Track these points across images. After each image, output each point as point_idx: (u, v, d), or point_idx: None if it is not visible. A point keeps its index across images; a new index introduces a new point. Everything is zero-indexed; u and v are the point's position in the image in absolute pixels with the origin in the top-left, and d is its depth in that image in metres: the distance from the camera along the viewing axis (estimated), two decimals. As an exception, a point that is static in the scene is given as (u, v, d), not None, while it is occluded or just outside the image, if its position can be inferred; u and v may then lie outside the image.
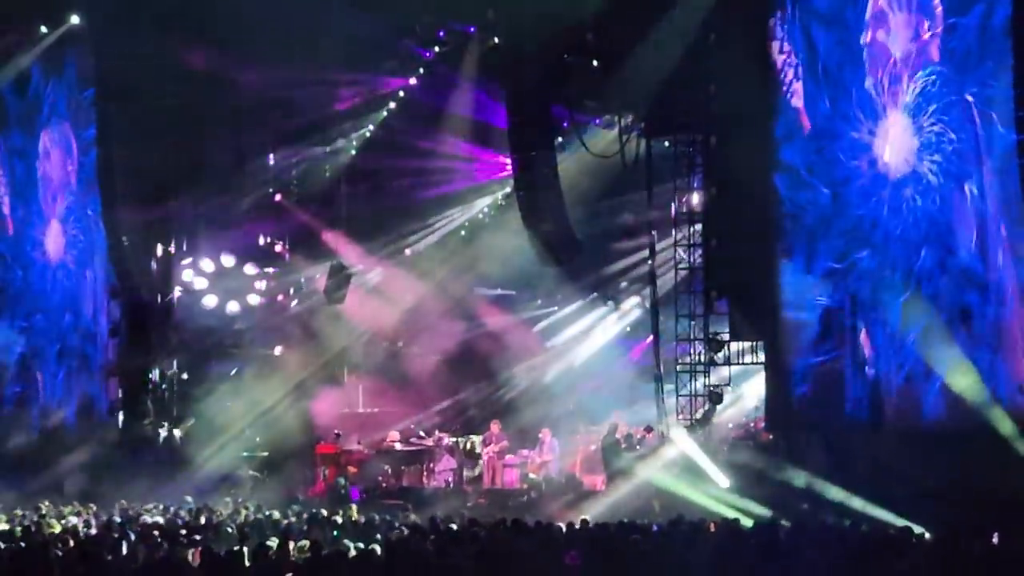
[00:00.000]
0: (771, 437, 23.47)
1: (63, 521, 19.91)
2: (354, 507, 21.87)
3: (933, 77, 20.56)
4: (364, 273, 30.95)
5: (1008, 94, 19.37)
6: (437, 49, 27.96)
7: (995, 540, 15.08)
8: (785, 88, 22.90)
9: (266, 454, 28.70)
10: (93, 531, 18.34)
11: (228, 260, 30.75)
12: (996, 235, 19.75)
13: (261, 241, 31.91)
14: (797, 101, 22.68)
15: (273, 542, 15.54)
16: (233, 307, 30.85)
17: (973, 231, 19.95)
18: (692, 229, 24.54)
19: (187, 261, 30.69)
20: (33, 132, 31.20)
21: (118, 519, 20.07)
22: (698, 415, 24.00)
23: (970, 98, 20.12)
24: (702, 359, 24.17)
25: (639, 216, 25.94)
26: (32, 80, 31.00)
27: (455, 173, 30.02)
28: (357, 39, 26.61)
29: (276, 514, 20.64)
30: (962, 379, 19.98)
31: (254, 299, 31.26)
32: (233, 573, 13.40)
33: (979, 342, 19.85)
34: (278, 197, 31.47)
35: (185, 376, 30.58)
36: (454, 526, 17.88)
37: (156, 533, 17.58)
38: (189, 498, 23.71)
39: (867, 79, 21.48)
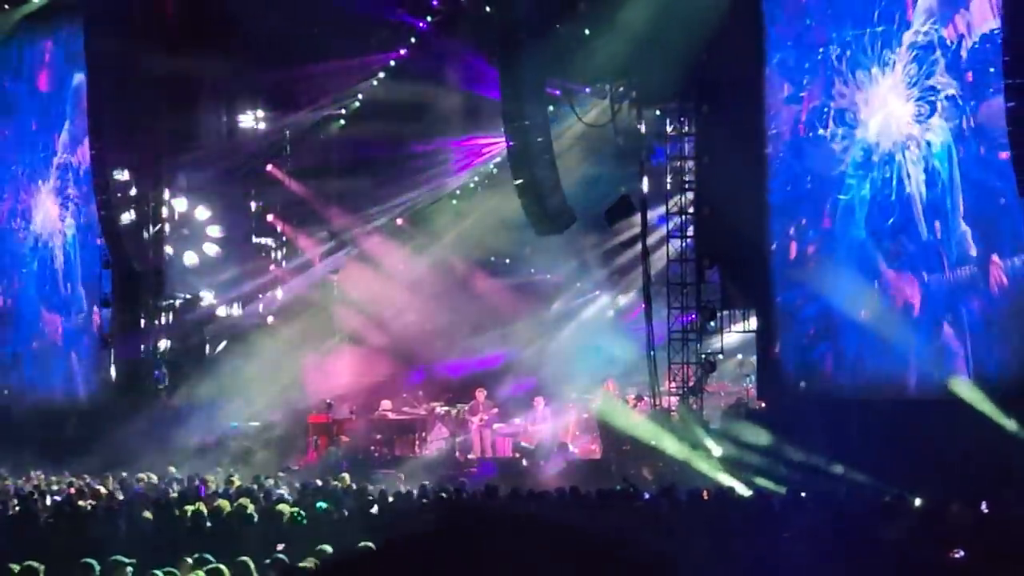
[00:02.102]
0: (763, 405, 23.53)
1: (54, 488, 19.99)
2: (346, 475, 21.93)
3: (922, 38, 20.59)
4: (357, 243, 30.90)
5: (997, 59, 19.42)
6: (430, 19, 27.84)
7: (984, 508, 15.16)
8: (776, 54, 22.89)
9: (258, 424, 28.69)
10: (87, 501, 18.38)
11: (218, 229, 30.69)
12: (982, 210, 19.79)
13: (253, 209, 31.84)
14: (788, 67, 22.65)
15: (264, 509, 15.61)
16: (224, 276, 30.80)
17: (959, 203, 19.98)
18: (684, 198, 24.54)
19: (178, 229, 30.58)
20: (23, 98, 31.21)
21: (112, 489, 20.12)
22: (690, 383, 24.06)
23: (961, 62, 20.17)
24: (694, 327, 24.24)
25: (630, 185, 25.85)
26: (23, 45, 30.97)
27: (448, 143, 29.93)
28: (349, 8, 26.49)
29: (268, 483, 20.71)
30: (935, 356, 20.21)
31: (246, 267, 31.23)
32: (225, 541, 13.45)
33: (958, 317, 19.96)
34: (270, 167, 31.38)
35: (177, 346, 30.53)
36: (445, 495, 17.95)
37: (148, 503, 17.66)
38: (172, 468, 23.74)
39: (857, 43, 21.50)
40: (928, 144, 20.32)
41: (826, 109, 21.97)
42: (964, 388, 19.55)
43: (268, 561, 11.48)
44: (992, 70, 18.77)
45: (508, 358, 28.99)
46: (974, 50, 19.30)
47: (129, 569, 11.23)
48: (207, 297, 31.00)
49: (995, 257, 18.91)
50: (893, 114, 20.99)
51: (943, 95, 19.83)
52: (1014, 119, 18.03)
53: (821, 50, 22.02)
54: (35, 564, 10.59)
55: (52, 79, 30.79)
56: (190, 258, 30.52)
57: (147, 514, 16.28)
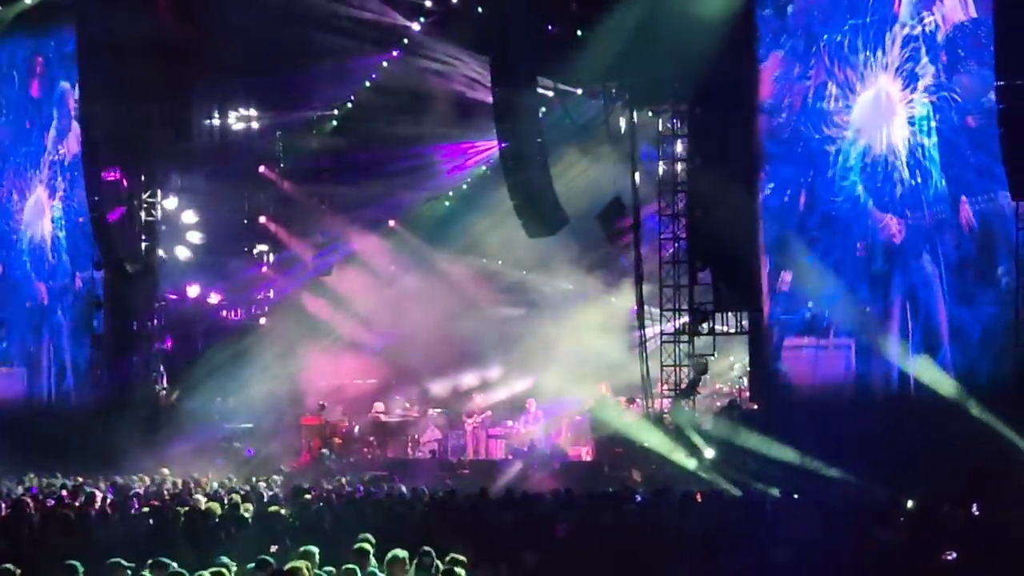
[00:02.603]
0: (756, 406, 23.55)
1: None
2: (343, 478, 21.97)
3: (907, 28, 20.97)
4: (349, 244, 30.90)
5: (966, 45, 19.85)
6: (422, 20, 27.84)
7: (975, 510, 15.21)
8: (769, 56, 22.96)
9: (251, 425, 28.68)
10: (78, 502, 18.36)
11: (210, 230, 30.67)
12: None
13: (246, 209, 31.82)
14: (798, 52, 22.77)
15: (256, 511, 15.61)
16: (217, 277, 30.79)
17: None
18: (676, 199, 24.56)
19: (170, 230, 30.55)
20: (17, 99, 31.25)
21: (104, 491, 20.10)
22: (683, 385, 24.07)
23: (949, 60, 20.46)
24: (687, 329, 24.24)
25: (623, 187, 25.86)
26: (16, 51, 31.00)
27: (440, 145, 29.92)
28: (342, 9, 26.49)
29: (261, 485, 20.71)
30: (920, 361, 20.43)
31: (238, 267, 31.22)
32: (218, 543, 13.43)
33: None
34: (262, 168, 31.36)
35: (171, 347, 30.50)
36: (438, 497, 17.96)
37: (141, 503, 17.65)
38: (165, 470, 23.71)
39: (853, 32, 21.73)
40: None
41: (828, 86, 22.27)
42: (955, 389, 19.64)
43: (256, 564, 11.41)
44: (962, 53, 20.75)
45: (501, 361, 29.01)
46: (948, 37, 20.83)
47: (128, 572, 11.20)
48: (199, 297, 30.95)
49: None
50: (883, 91, 21.58)
51: (924, 73, 21.21)
52: (1006, 121, 18.24)
53: (825, 36, 22.41)
54: (11, 567, 10.54)
55: (43, 87, 30.88)
56: (182, 258, 30.49)
57: (141, 516, 16.28)
